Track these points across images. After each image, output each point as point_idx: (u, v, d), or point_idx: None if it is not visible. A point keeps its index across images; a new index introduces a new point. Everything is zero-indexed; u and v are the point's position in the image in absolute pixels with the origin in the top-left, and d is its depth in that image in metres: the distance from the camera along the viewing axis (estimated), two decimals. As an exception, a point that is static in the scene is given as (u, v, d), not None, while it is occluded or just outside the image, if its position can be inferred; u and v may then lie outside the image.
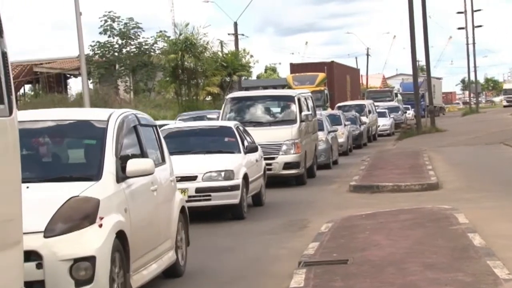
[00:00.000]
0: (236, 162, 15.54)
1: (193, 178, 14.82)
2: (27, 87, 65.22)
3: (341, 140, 30.79)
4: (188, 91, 49.25)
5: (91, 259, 7.30)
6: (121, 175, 8.31)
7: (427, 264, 9.29)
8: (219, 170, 15.02)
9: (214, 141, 16.77)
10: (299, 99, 21.97)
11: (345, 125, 33.41)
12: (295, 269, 9.56)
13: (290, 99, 22.07)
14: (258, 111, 22.08)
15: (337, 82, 56.22)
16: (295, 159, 20.81)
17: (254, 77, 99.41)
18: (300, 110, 21.63)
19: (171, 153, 15.90)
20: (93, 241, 7.38)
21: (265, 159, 20.37)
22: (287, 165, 20.71)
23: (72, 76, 61.70)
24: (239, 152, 16.15)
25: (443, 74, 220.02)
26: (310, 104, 23.64)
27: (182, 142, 16.71)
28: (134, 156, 8.92)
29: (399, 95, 73.91)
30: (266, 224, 14.59)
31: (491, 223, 12.34)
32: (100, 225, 7.53)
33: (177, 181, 14.42)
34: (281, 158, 20.68)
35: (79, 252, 7.28)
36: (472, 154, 27.62)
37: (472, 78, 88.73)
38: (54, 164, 8.73)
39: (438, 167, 22.84)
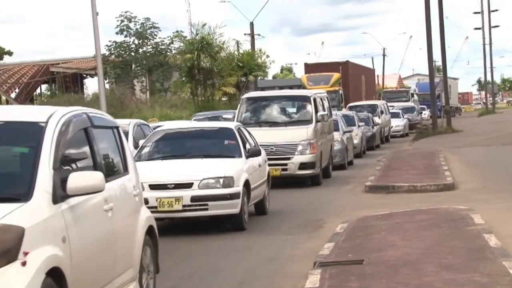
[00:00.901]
0: (237, 168, 14.14)
1: (188, 186, 13.46)
2: (44, 87, 65.63)
3: (355, 141, 30.21)
4: (204, 91, 49.35)
5: None
6: (60, 194, 6.46)
7: (443, 264, 9.27)
8: (217, 176, 13.61)
9: (212, 144, 15.41)
10: (315, 99, 21.97)
11: (358, 126, 32.68)
12: (310, 270, 9.57)
13: (306, 99, 22.06)
14: (273, 111, 22.08)
15: (352, 82, 56.05)
16: (311, 159, 20.79)
17: (270, 77, 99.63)
18: (316, 110, 21.62)
19: (165, 157, 14.91)
20: (12, 284, 5.62)
21: (281, 159, 20.49)
22: (303, 165, 20.70)
23: (88, 76, 61.96)
24: (240, 156, 14.73)
25: (459, 75, 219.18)
26: (326, 104, 23.61)
27: (177, 145, 15.51)
28: (80, 167, 7.07)
29: (415, 95, 73.71)
30: (281, 224, 14.58)
31: (507, 224, 12.29)
32: (24, 263, 5.73)
33: (171, 188, 13.37)
34: (297, 158, 20.67)
35: None
36: (489, 155, 27.52)
37: (489, 78, 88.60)
38: None
39: (454, 168, 22.79)
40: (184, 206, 13.32)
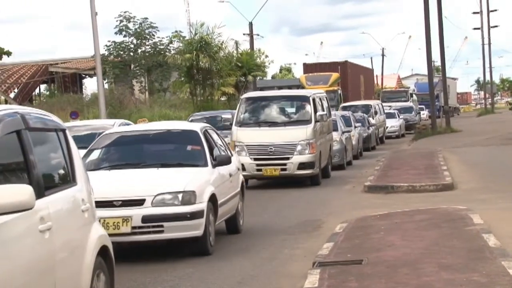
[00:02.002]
0: (200, 180, 11.71)
1: (139, 203, 11.00)
2: (43, 87, 65.63)
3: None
4: (203, 91, 49.37)
5: None
6: None
7: (442, 264, 9.27)
8: (175, 191, 11.16)
9: (172, 150, 13.01)
10: (314, 99, 21.98)
11: (355, 127, 32.16)
12: (310, 269, 9.56)
13: (305, 99, 22.07)
14: (273, 111, 22.10)
15: (350, 82, 56.12)
16: (310, 159, 20.81)
17: (269, 77, 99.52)
18: (315, 110, 21.63)
19: (113, 166, 12.37)
20: None
21: (280, 159, 20.52)
22: (302, 165, 20.71)
23: (87, 76, 61.93)
24: (205, 165, 12.29)
25: (458, 75, 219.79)
26: (325, 104, 23.64)
27: (130, 152, 13.05)
28: (9, 179, 5.79)
29: (414, 95, 73.76)
30: (280, 223, 14.57)
31: (506, 224, 12.29)
32: None
33: (118, 206, 10.99)
34: (296, 158, 20.68)
35: None
36: (488, 155, 27.53)
37: (488, 78, 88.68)
38: None
39: (453, 168, 22.79)
40: (133, 228, 10.89)
